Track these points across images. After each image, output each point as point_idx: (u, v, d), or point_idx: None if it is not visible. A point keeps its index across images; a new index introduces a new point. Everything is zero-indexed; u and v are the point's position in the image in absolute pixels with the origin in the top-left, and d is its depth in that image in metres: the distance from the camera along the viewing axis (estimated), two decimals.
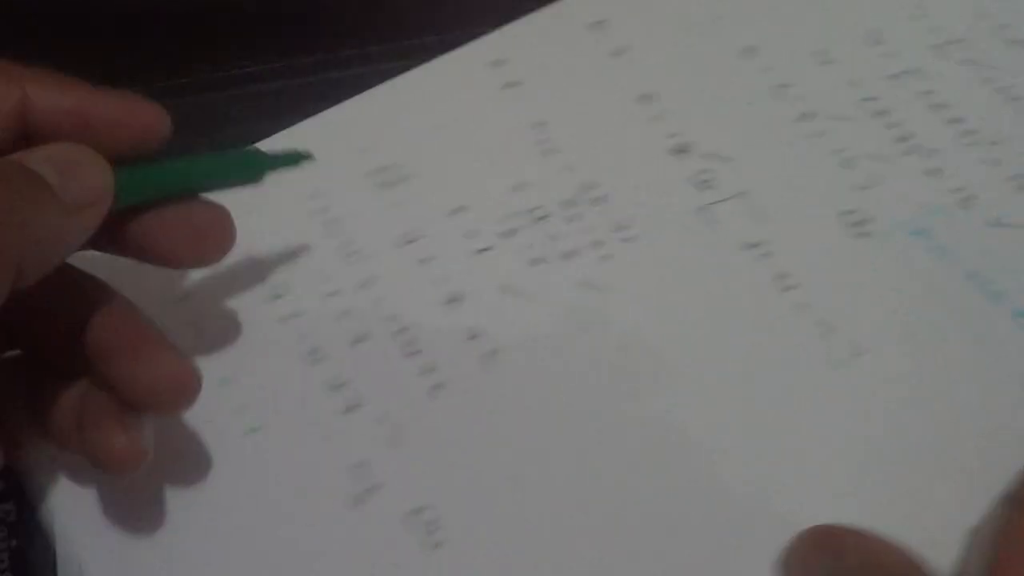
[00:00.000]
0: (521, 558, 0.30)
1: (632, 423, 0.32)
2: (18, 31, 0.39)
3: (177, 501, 0.31)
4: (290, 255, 0.35)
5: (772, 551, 0.26)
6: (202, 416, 0.31)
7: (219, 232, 0.30)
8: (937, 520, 0.27)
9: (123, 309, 0.29)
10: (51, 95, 0.27)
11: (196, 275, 0.35)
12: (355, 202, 0.36)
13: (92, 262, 0.30)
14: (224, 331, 0.34)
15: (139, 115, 0.28)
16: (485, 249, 0.35)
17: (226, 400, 0.32)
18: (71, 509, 0.31)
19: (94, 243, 0.28)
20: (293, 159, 0.32)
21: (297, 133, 0.38)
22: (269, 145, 0.35)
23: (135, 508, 0.31)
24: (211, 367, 0.32)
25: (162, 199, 0.29)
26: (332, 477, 0.31)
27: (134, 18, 0.41)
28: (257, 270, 0.35)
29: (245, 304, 0.34)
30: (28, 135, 0.27)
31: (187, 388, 0.28)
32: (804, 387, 0.32)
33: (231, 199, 0.30)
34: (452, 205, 0.36)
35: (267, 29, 0.41)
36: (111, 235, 0.28)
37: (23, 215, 0.25)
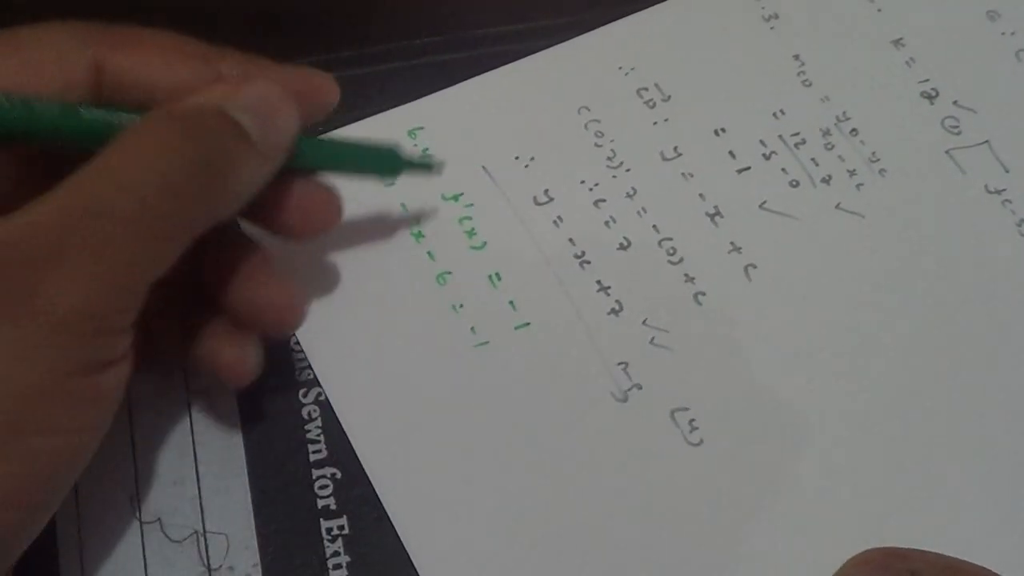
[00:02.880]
0: (775, 463, 0.32)
1: (884, 341, 0.34)
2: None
3: (455, 396, 0.33)
4: (560, 160, 0.37)
5: None
6: (482, 311, 0.34)
7: (331, 212, 0.31)
8: None
9: (240, 238, 0.30)
10: (242, 74, 0.28)
11: (471, 174, 0.37)
12: (622, 116, 0.38)
13: None
14: (495, 230, 0.36)
15: (317, 85, 0.30)
16: (745, 169, 0.37)
17: (499, 296, 0.35)
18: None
19: None
20: (427, 166, 0.33)
21: (569, 45, 0.39)
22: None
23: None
24: (483, 265, 0.35)
25: (297, 169, 0.30)
26: (598, 375, 0.33)
27: (134, 19, 0.41)
28: (526, 173, 0.37)
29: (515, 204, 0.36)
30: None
31: (292, 314, 0.30)
32: None
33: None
34: (714, 126, 0.38)
35: (267, 29, 0.39)
36: None
37: (226, 170, 0.26)
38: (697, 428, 0.32)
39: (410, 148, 0.37)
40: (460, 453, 0.32)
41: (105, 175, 0.24)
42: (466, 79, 0.39)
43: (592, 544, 0.31)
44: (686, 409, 0.33)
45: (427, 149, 0.37)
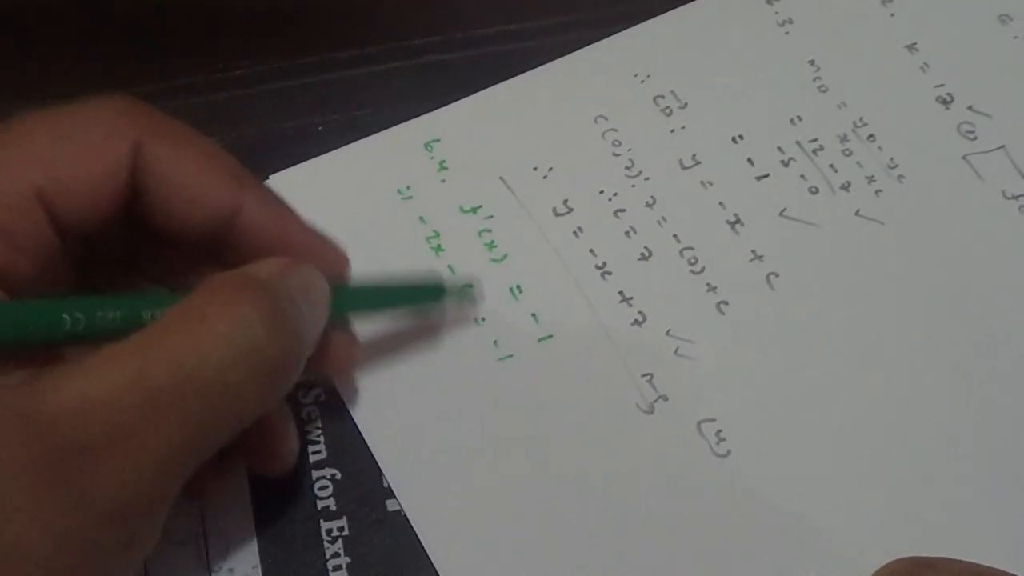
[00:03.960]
0: (802, 473, 0.32)
1: (904, 348, 0.34)
2: (19, 32, 0.41)
3: (480, 409, 0.33)
4: (578, 170, 0.37)
5: None
6: (505, 324, 0.34)
7: (353, 353, 0.31)
8: None
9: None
10: (264, 213, 0.28)
11: (489, 186, 0.37)
12: (639, 125, 0.38)
13: None
14: (515, 242, 0.36)
15: (330, 256, 0.29)
16: (764, 176, 0.37)
17: (521, 309, 0.35)
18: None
19: None
20: (468, 294, 0.34)
21: (584, 53, 0.39)
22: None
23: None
24: (504, 277, 0.35)
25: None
26: (624, 386, 0.33)
27: (134, 19, 0.41)
28: (545, 184, 0.37)
29: (535, 216, 0.36)
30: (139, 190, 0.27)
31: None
32: None
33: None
34: (731, 133, 0.38)
35: (267, 29, 0.41)
36: None
37: (293, 359, 0.25)
38: (724, 439, 0.32)
39: (426, 161, 0.37)
40: (485, 467, 0.32)
41: (166, 357, 0.23)
42: (466, 79, 0.39)
43: (618, 556, 0.31)
44: (712, 420, 0.33)
45: (444, 161, 0.37)
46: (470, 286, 0.34)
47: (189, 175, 0.27)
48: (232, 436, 0.25)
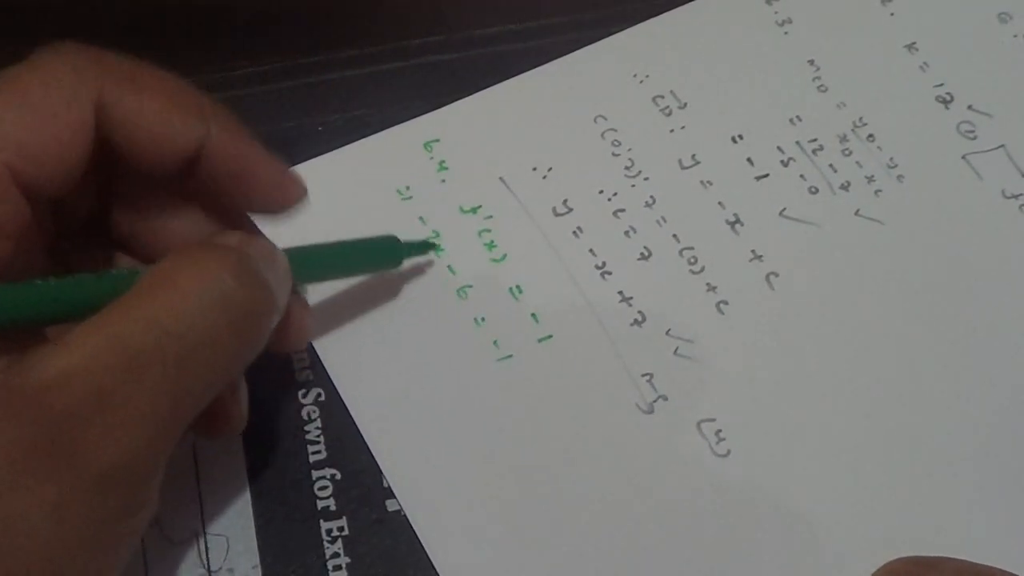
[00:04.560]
0: (802, 473, 0.32)
1: (904, 348, 0.34)
2: (17, 32, 0.39)
3: (479, 409, 0.33)
4: (577, 170, 0.37)
5: None
6: (505, 324, 0.34)
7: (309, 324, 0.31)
8: None
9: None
10: (227, 143, 0.28)
11: (489, 186, 0.37)
12: (639, 125, 0.38)
13: None
14: (514, 242, 0.36)
15: (289, 182, 0.30)
16: (763, 176, 0.37)
17: (521, 309, 0.35)
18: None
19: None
20: (428, 246, 0.34)
21: (583, 53, 0.39)
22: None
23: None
24: (504, 277, 0.35)
25: None
26: (623, 387, 0.33)
27: (134, 19, 0.41)
28: (544, 184, 0.37)
29: (534, 216, 0.36)
30: (108, 138, 0.27)
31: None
32: None
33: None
34: (731, 133, 0.38)
35: (267, 29, 0.41)
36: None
37: (263, 318, 0.26)
38: (724, 439, 0.32)
39: (426, 161, 0.37)
40: (485, 468, 0.32)
41: (143, 317, 0.23)
42: (466, 79, 0.39)
43: (618, 556, 0.31)
44: (712, 420, 0.33)
45: (444, 161, 0.37)
46: (429, 242, 0.34)
47: (153, 118, 0.27)
48: (216, 391, 0.25)
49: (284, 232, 0.30)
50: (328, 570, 0.31)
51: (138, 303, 0.23)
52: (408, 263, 0.34)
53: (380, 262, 0.33)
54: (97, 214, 0.30)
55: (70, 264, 0.29)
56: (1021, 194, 0.36)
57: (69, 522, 0.22)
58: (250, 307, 0.25)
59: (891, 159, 0.37)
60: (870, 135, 0.38)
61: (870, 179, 0.37)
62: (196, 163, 0.28)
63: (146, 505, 0.24)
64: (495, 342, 0.34)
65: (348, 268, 0.33)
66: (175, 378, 0.23)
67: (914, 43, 0.39)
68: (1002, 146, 0.37)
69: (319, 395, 0.33)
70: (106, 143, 0.27)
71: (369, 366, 0.33)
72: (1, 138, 0.25)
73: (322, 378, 0.34)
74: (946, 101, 0.38)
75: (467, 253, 0.35)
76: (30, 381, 0.22)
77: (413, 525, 0.31)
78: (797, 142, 0.37)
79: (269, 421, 0.33)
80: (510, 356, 0.34)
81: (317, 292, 0.33)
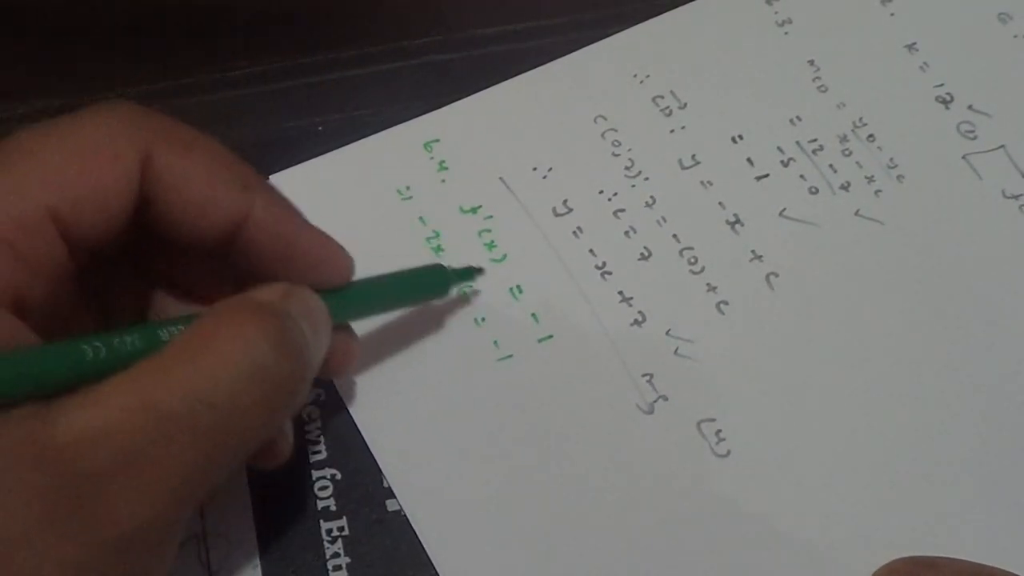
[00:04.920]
0: (802, 473, 0.32)
1: (904, 349, 0.34)
2: (18, 32, 0.40)
3: (480, 409, 0.33)
4: (577, 171, 0.37)
5: None
6: (505, 324, 0.34)
7: (352, 356, 0.31)
8: None
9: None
10: (272, 218, 0.27)
11: (489, 186, 0.37)
12: (639, 125, 0.38)
13: None
14: (514, 242, 0.36)
15: (335, 258, 0.29)
16: (764, 176, 0.37)
17: (521, 309, 0.35)
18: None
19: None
20: (472, 273, 0.34)
21: (583, 54, 0.39)
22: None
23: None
24: (504, 277, 0.35)
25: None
26: (624, 387, 0.33)
27: (135, 19, 0.41)
28: (544, 184, 0.37)
29: (534, 216, 0.36)
30: (151, 199, 0.26)
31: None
32: None
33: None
34: (731, 133, 0.38)
35: (267, 29, 0.41)
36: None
37: (299, 383, 0.25)
38: (724, 439, 0.32)
39: (426, 161, 0.37)
40: (485, 467, 0.32)
41: (177, 382, 0.22)
42: (466, 79, 0.39)
43: (618, 556, 0.31)
44: (712, 420, 0.33)
45: (444, 161, 0.37)
46: (476, 268, 0.34)
47: (198, 183, 0.26)
48: (242, 460, 0.25)
49: None
50: (328, 570, 0.31)
51: (172, 364, 0.23)
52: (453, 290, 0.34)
53: (427, 293, 0.33)
54: (134, 253, 0.29)
55: (104, 301, 0.29)
56: (1021, 194, 0.36)
57: None
58: (286, 379, 0.24)
59: (891, 159, 0.37)
60: (870, 135, 0.38)
61: (870, 179, 0.37)
62: (237, 236, 0.27)
63: (162, 566, 0.24)
64: (495, 342, 0.34)
65: (395, 302, 0.32)
66: (205, 446, 0.23)
67: (914, 43, 0.39)
68: (1002, 146, 0.37)
69: (319, 395, 0.33)
70: (150, 202, 0.26)
71: (369, 366, 0.33)
72: (45, 180, 0.24)
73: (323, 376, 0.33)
74: (946, 101, 0.38)
75: (467, 253, 0.35)
76: (56, 434, 0.21)
77: (413, 525, 0.31)
78: (797, 142, 0.37)
79: None
80: (510, 356, 0.34)
81: None
